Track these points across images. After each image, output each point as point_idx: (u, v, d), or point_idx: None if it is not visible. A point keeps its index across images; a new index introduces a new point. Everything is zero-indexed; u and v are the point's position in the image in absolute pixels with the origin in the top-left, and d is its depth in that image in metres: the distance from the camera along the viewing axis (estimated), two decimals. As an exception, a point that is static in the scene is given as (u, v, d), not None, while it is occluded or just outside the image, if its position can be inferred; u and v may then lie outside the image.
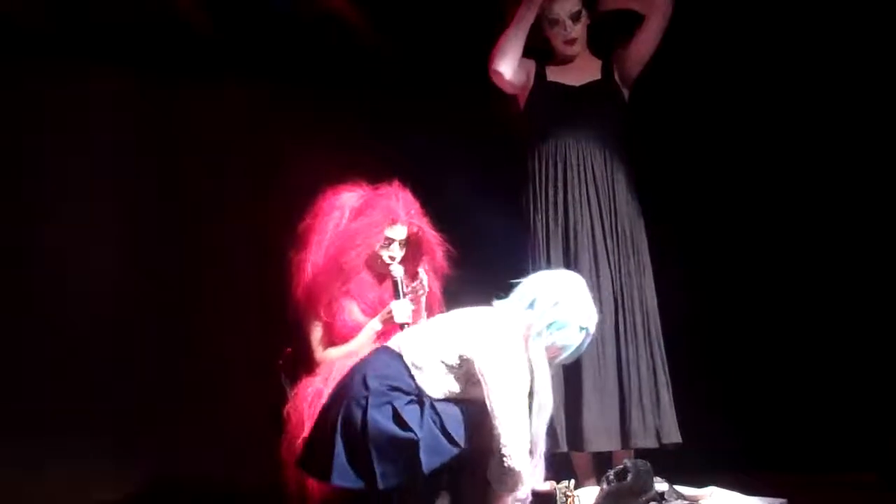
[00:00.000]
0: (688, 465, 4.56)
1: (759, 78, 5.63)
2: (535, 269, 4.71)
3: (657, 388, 4.74)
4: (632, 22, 4.88)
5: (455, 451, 3.71)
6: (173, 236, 5.54)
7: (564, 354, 3.88)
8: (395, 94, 5.67)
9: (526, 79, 4.89)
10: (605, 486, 4.18)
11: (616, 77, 4.89)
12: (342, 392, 3.84)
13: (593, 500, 4.19)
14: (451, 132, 5.47)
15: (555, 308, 3.84)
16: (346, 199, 4.44)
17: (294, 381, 4.40)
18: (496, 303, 3.92)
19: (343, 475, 3.74)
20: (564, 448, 4.66)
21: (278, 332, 4.55)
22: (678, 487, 4.26)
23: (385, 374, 3.79)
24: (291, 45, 5.55)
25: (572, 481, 4.21)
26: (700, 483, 4.34)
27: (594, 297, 4.64)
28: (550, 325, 3.83)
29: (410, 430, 3.69)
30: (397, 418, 3.71)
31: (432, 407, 3.74)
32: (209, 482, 5.41)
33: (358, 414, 3.73)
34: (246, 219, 5.60)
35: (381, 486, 3.70)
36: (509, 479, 3.72)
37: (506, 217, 4.81)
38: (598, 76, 4.89)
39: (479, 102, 5.11)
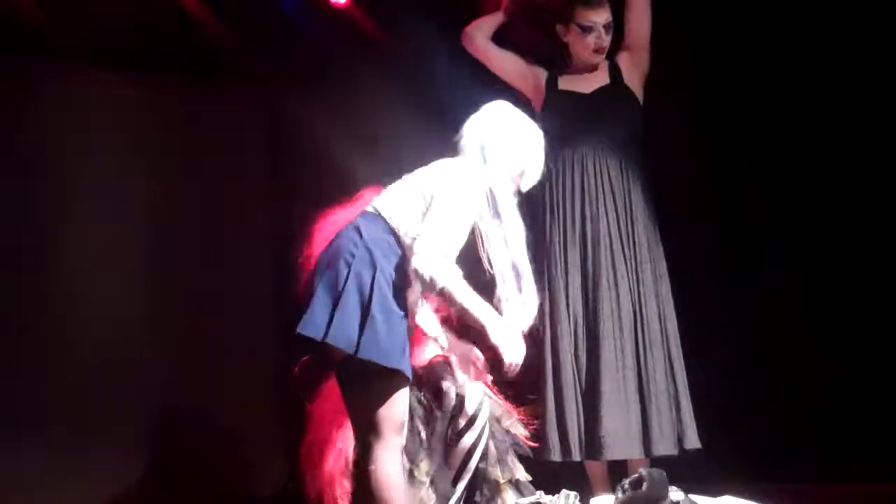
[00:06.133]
0: (704, 474, 4.56)
1: (777, 77, 5.60)
2: (551, 279, 4.78)
3: (677, 395, 4.75)
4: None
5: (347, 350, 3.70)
6: (177, 238, 5.57)
7: (526, 179, 4.00)
8: (405, 98, 5.70)
9: (534, 87, 4.93)
10: (619, 494, 4.18)
11: (625, 77, 4.91)
12: (334, 252, 3.86)
13: (608, 510, 4.21)
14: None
15: (504, 144, 3.95)
16: (336, 217, 4.45)
17: (311, 389, 4.43)
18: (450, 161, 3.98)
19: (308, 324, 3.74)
20: (578, 457, 4.68)
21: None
22: (693, 497, 4.25)
23: (373, 237, 3.82)
24: (299, 46, 5.58)
25: (574, 494, 4.22)
26: (715, 492, 4.34)
27: (614, 306, 4.73)
28: (506, 159, 3.94)
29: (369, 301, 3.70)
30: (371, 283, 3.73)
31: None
32: (224, 487, 5.46)
33: (344, 271, 3.76)
34: (254, 220, 5.63)
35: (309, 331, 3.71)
36: (418, 279, 3.76)
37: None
38: (606, 81, 4.91)
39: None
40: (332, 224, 4.40)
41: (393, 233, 3.85)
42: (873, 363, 5.43)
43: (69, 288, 5.40)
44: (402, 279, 3.81)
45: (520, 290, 3.91)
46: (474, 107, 4.12)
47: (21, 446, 5.17)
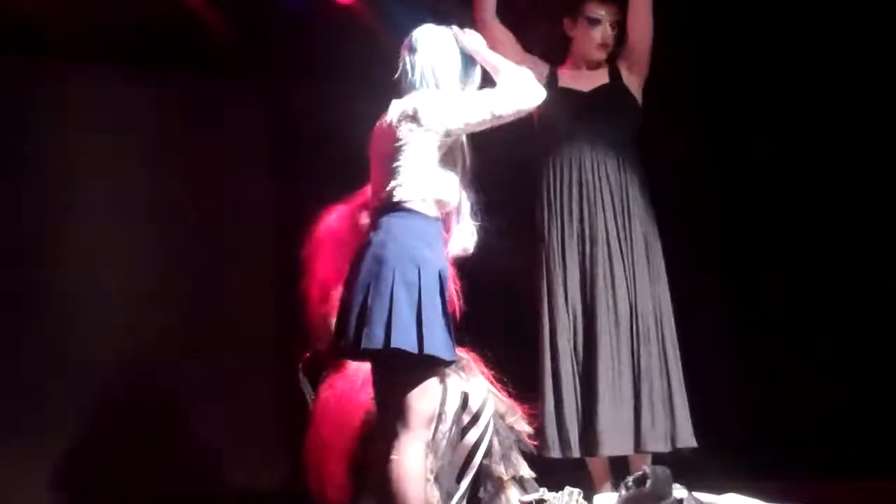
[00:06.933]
0: (707, 471, 4.57)
1: (777, 77, 5.62)
2: (549, 275, 4.79)
3: (671, 393, 4.75)
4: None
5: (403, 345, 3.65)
6: (178, 237, 5.57)
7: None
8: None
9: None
10: (623, 491, 4.19)
11: (624, 79, 4.91)
12: (374, 258, 3.76)
13: (611, 507, 4.22)
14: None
15: (450, 65, 3.91)
16: (338, 213, 4.44)
17: (315, 385, 4.43)
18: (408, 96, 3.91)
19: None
20: (577, 454, 4.69)
21: (297, 333, 4.55)
22: (697, 494, 4.26)
23: (409, 231, 3.76)
24: (302, 44, 5.58)
25: (577, 491, 4.23)
26: (719, 490, 4.34)
27: (610, 303, 4.73)
28: (455, 79, 3.90)
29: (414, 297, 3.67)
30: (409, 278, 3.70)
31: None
32: (225, 486, 5.46)
33: (389, 275, 3.69)
34: (257, 218, 5.62)
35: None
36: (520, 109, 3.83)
37: (519, 223, 4.83)
38: (606, 80, 4.91)
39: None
40: (335, 222, 4.42)
41: (431, 218, 3.79)
42: (873, 361, 5.45)
43: (69, 287, 5.39)
44: (445, 267, 3.79)
45: (459, 218, 3.91)
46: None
47: (21, 446, 5.15)
